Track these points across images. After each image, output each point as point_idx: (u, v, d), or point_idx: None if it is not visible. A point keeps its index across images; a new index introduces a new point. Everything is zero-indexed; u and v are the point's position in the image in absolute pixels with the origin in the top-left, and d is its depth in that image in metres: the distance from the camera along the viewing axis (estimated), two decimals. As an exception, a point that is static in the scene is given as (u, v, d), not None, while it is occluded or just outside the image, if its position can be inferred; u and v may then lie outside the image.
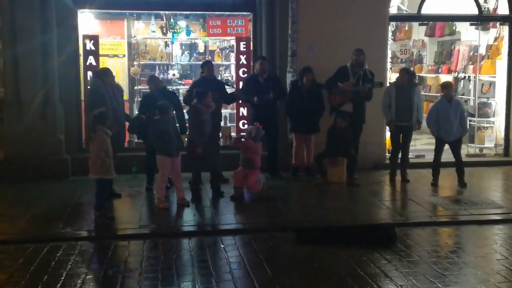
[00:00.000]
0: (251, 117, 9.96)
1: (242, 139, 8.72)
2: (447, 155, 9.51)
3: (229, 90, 10.21)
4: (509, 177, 10.37)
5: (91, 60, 10.12)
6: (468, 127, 9.90)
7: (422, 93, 14.92)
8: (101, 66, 9.96)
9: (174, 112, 8.46)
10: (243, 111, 10.60)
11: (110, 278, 5.66)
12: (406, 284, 5.42)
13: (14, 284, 5.49)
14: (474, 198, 8.59)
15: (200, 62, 10.28)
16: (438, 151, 9.45)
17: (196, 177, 8.84)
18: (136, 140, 10.58)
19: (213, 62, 10.42)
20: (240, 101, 10.34)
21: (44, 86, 9.73)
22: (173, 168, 8.16)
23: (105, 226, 7.21)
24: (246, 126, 10.18)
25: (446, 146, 9.37)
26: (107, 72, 8.68)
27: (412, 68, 15.00)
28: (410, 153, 10.18)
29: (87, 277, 5.70)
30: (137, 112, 9.69)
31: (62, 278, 5.62)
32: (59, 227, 7.16)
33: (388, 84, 10.29)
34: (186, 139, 8.82)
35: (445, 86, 9.55)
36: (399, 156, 9.76)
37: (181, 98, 9.99)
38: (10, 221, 7.44)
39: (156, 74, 10.96)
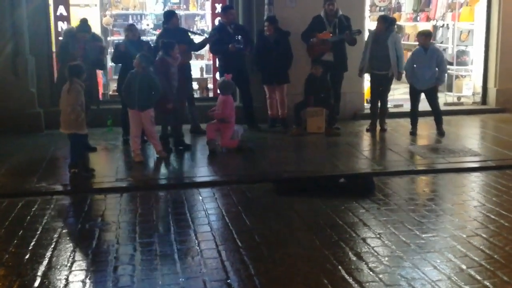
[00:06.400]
0: (219, 69, 9.81)
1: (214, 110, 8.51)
2: (426, 103, 9.50)
3: (196, 38, 9.78)
4: (486, 125, 10.43)
5: (61, 10, 9.81)
6: (444, 77, 9.80)
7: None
8: (71, 16, 9.66)
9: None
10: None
11: (87, 232, 5.60)
12: (384, 232, 5.45)
13: (-11, 239, 5.41)
14: (451, 146, 8.63)
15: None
16: (412, 99, 9.48)
17: (165, 131, 8.50)
18: (110, 92, 10.39)
19: (188, 11, 10.14)
20: (212, 53, 10.08)
21: (13, 37, 9.45)
22: (143, 123, 7.89)
23: (80, 180, 7.10)
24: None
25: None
26: (83, 29, 8.40)
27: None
28: (388, 103, 10.15)
29: (63, 231, 5.63)
30: (110, 64, 9.47)
31: (38, 233, 5.55)
32: (34, 182, 7.06)
33: (367, 32, 10.17)
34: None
35: (419, 34, 9.54)
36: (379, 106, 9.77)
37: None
38: (-17, 176, 7.32)
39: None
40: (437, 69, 9.19)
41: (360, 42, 9.69)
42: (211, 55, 10.57)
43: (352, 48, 9.69)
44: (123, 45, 8.72)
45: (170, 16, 9.25)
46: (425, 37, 9.31)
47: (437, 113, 9.42)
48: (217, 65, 10.41)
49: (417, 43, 13.96)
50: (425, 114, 9.61)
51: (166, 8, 11.62)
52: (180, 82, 8.42)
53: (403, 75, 9.71)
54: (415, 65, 9.28)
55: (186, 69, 9.08)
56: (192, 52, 9.76)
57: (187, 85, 9.09)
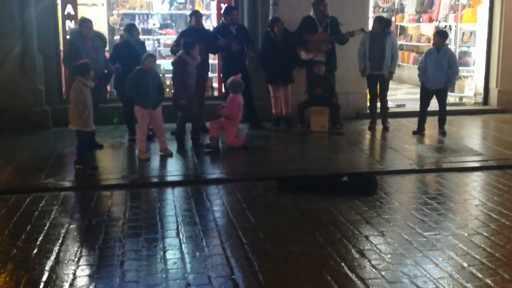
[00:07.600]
0: (221, 69, 9.90)
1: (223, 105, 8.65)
2: (431, 104, 9.56)
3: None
4: (488, 125, 10.49)
5: (69, 9, 9.91)
6: (455, 79, 9.81)
7: (403, 42, 14.93)
8: (79, 15, 9.74)
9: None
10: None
11: (93, 227, 5.67)
12: (386, 230, 5.51)
13: (-2, 234, 5.48)
14: (453, 146, 8.70)
15: (180, 12, 10.12)
16: (422, 99, 9.50)
17: (180, 128, 8.63)
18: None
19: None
20: (214, 52, 10.17)
21: (22, 36, 9.55)
22: (153, 120, 8.05)
23: (87, 177, 7.19)
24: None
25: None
26: (83, 22, 8.37)
27: (393, 18, 14.95)
28: (390, 103, 10.22)
29: (71, 226, 5.70)
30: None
31: (46, 228, 5.61)
32: (41, 178, 7.14)
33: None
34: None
35: (435, 34, 9.50)
36: (378, 105, 9.82)
37: (161, 48, 9.85)
38: (-9, 173, 7.39)
39: (136, 24, 10.73)
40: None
41: (350, 41, 9.69)
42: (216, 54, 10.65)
43: (341, 47, 9.76)
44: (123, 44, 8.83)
45: (192, 13, 9.61)
46: (440, 37, 9.23)
47: (443, 113, 9.46)
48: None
49: (419, 44, 14.14)
50: (428, 114, 9.65)
51: (172, 8, 11.74)
52: (199, 80, 8.68)
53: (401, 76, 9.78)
54: (427, 65, 9.28)
55: (204, 68, 9.27)
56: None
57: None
